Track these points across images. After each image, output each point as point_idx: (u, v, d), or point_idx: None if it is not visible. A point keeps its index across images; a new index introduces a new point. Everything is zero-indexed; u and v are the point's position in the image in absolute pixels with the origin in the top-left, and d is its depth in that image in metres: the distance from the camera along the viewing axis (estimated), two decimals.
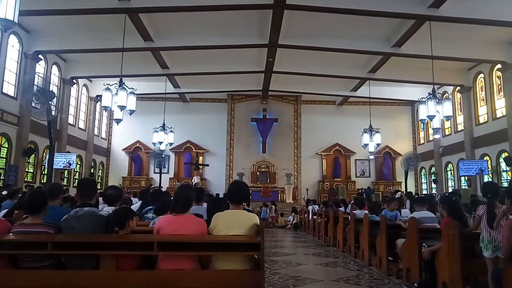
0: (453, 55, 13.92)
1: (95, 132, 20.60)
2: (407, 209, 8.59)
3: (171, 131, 17.53)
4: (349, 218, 8.53)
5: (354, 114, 21.41)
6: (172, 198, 3.91)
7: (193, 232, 3.16)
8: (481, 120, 16.46)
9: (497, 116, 15.30)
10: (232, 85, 19.27)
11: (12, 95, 13.73)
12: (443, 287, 4.42)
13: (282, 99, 22.27)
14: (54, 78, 16.24)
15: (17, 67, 13.97)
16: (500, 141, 14.76)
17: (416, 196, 12.77)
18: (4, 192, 8.60)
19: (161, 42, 13.76)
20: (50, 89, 8.82)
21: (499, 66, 14.83)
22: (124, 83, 10.97)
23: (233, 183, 3.67)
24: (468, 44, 13.59)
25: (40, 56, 14.57)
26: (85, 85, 19.58)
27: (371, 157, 20.28)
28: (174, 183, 20.64)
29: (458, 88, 17.86)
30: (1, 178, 13.23)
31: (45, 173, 14.66)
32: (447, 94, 18.67)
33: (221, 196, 11.33)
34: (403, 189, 16.88)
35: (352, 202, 11.06)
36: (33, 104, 8.56)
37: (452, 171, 18.77)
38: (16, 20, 5.73)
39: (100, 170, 21.62)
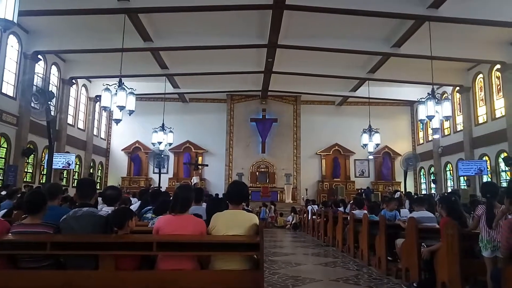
0: (452, 56, 13.94)
1: (95, 132, 20.60)
2: (406, 209, 8.60)
3: (171, 131, 17.54)
4: (348, 218, 8.53)
5: (353, 114, 21.43)
6: (171, 198, 3.91)
7: (192, 232, 3.16)
8: (480, 120, 16.48)
9: (496, 116, 15.32)
10: (232, 85, 19.28)
11: (11, 95, 13.71)
12: (442, 287, 4.42)
13: (281, 99, 22.28)
14: (54, 78, 16.23)
15: (17, 67, 13.96)
16: (499, 141, 14.77)
17: (415, 196, 12.78)
18: (3, 192, 8.59)
19: (160, 42, 13.75)
20: (50, 89, 8.79)
21: (498, 66, 14.85)
22: (123, 83, 10.97)
23: (232, 183, 3.67)
24: (467, 45, 13.60)
25: (39, 56, 14.57)
26: (84, 85, 19.57)
27: (371, 157, 20.30)
28: (173, 183, 20.64)
29: (457, 88, 17.89)
30: (0, 178, 13.21)
31: (44, 173, 14.63)
32: (446, 95, 18.69)
33: (220, 196, 11.32)
34: (402, 189, 16.88)
35: (351, 202, 11.06)
36: (32, 104, 8.54)
37: (451, 171, 18.79)
38: (15, 20, 5.73)
39: (99, 170, 21.62)
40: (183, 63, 16.27)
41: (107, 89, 11.03)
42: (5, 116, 13.26)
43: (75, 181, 18.24)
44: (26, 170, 14.75)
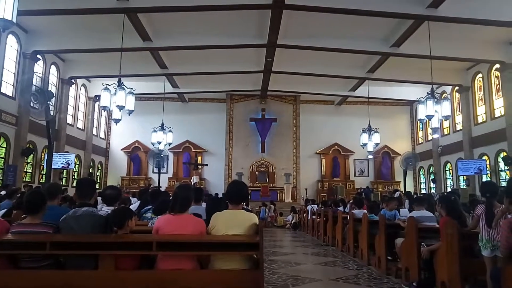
0: (452, 55, 13.95)
1: (94, 132, 20.58)
2: (405, 209, 8.60)
3: (170, 131, 17.53)
4: (348, 217, 8.53)
5: (353, 114, 21.43)
6: (171, 198, 3.91)
7: (192, 231, 3.16)
8: (480, 119, 16.49)
9: (496, 116, 15.33)
10: (231, 85, 19.28)
11: (11, 95, 13.70)
12: (442, 286, 4.42)
13: (281, 99, 22.28)
14: (53, 78, 16.22)
15: (16, 67, 13.94)
16: (498, 141, 14.78)
17: (415, 195, 12.78)
18: (3, 192, 8.57)
19: (159, 42, 13.74)
20: (49, 89, 8.80)
21: (497, 66, 14.86)
22: (122, 83, 10.96)
23: (232, 183, 3.67)
24: (466, 44, 13.61)
25: (38, 56, 14.55)
26: (83, 85, 19.56)
27: (370, 156, 20.31)
28: (173, 183, 20.63)
29: (457, 88, 17.90)
30: None
31: (44, 173, 14.63)
32: (445, 94, 18.70)
33: (220, 196, 11.32)
34: (402, 189, 16.89)
35: (351, 201, 11.06)
36: (31, 104, 8.53)
37: (450, 171, 18.81)
38: (14, 20, 5.72)
39: (99, 170, 21.61)
40: (182, 62, 16.26)
41: (106, 89, 11.02)
42: (4, 116, 13.25)
43: (75, 181, 18.22)
44: (25, 170, 14.74)
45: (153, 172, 20.87)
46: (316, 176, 22.21)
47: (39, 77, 8.91)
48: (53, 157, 12.60)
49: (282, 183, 20.83)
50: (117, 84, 10.85)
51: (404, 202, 10.35)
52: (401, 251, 5.70)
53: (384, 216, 6.90)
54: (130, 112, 11.45)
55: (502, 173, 15.08)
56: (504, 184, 14.00)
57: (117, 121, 11.87)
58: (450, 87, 18.51)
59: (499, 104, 15.19)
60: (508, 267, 3.50)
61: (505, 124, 14.17)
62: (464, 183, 16.93)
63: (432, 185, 20.08)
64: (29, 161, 14.99)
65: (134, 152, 21.92)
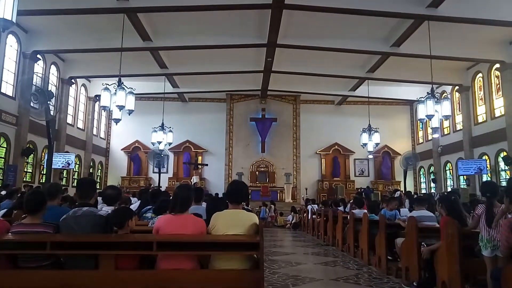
0: (452, 55, 13.94)
1: (94, 132, 20.58)
2: (406, 209, 8.61)
3: (170, 131, 17.52)
4: (348, 217, 8.53)
5: (353, 114, 21.42)
6: (171, 198, 3.91)
7: (192, 231, 3.16)
8: (480, 119, 16.49)
9: (496, 116, 15.33)
10: (231, 84, 19.27)
11: (11, 95, 13.70)
12: (442, 286, 4.42)
13: (281, 98, 22.28)
14: (53, 78, 16.22)
15: (16, 67, 13.94)
16: (498, 140, 14.78)
17: (415, 195, 12.79)
18: (3, 192, 8.57)
19: (159, 42, 13.74)
20: (49, 89, 8.81)
21: (497, 65, 14.85)
22: (122, 83, 10.95)
23: (232, 183, 3.66)
24: (466, 44, 13.60)
25: (38, 56, 14.54)
26: (83, 85, 19.56)
27: (370, 156, 20.30)
28: (173, 182, 20.63)
29: (457, 87, 17.89)
30: (0, 178, 13.23)
31: (44, 173, 14.63)
32: (445, 94, 18.69)
33: (220, 195, 11.33)
34: (402, 189, 16.89)
35: (351, 201, 11.06)
36: (31, 104, 8.55)
37: (451, 171, 18.80)
38: (14, 20, 5.72)
39: (99, 170, 21.61)
40: (182, 62, 16.25)
41: (106, 89, 11.02)
42: (4, 115, 13.25)
43: (75, 180, 18.23)
44: (25, 169, 14.74)
45: (153, 172, 20.87)
46: (316, 176, 22.21)
47: (39, 77, 8.92)
48: (53, 157, 12.59)
49: (282, 183, 20.83)
50: (117, 84, 10.85)
51: (404, 202, 10.36)
52: (401, 251, 5.70)
53: (385, 216, 6.91)
54: (130, 112, 11.45)
55: (502, 173, 15.08)
56: (504, 184, 14.01)
57: (117, 121, 11.87)
58: (450, 86, 18.51)
59: (499, 103, 15.19)
60: (508, 267, 3.50)
61: (505, 123, 14.16)
62: (464, 183, 16.93)
63: (432, 185, 20.08)
64: (29, 161, 15.00)
65: (134, 152, 21.93)
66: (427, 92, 11.54)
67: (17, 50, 13.95)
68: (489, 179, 14.71)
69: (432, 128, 14.03)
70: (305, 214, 14.99)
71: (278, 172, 21.43)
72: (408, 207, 9.15)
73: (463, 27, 12.08)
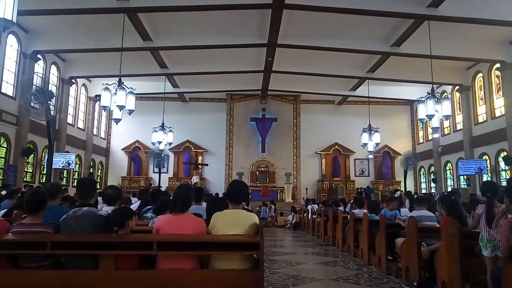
0: (452, 55, 13.94)
1: (94, 132, 20.59)
2: (406, 209, 8.60)
3: (170, 131, 17.52)
4: (348, 217, 8.53)
5: (353, 114, 21.42)
6: (171, 197, 3.91)
7: (192, 231, 3.16)
8: (480, 119, 16.48)
9: (496, 115, 15.32)
10: (231, 84, 19.27)
11: (11, 95, 13.71)
12: (442, 286, 4.42)
13: (281, 98, 22.28)
14: (53, 78, 16.22)
15: (16, 67, 13.95)
16: (499, 140, 14.77)
17: (416, 195, 12.78)
18: (3, 192, 8.58)
19: (160, 42, 13.74)
20: (49, 89, 8.80)
21: (498, 65, 14.85)
22: (123, 82, 10.96)
23: (232, 183, 3.67)
24: (467, 44, 13.59)
25: (38, 55, 14.55)
26: (84, 84, 19.57)
27: (370, 156, 20.30)
28: (173, 182, 20.64)
29: (457, 87, 17.89)
30: (0, 178, 13.21)
31: (44, 172, 14.63)
32: (446, 94, 18.69)
33: (220, 195, 11.33)
34: (403, 189, 16.89)
35: (351, 201, 11.06)
36: (32, 104, 8.55)
37: (451, 170, 18.80)
38: (14, 20, 5.72)
39: (99, 170, 21.62)
40: (182, 62, 16.25)
41: (106, 89, 11.02)
42: (4, 115, 13.26)
43: (75, 180, 18.24)
44: (26, 169, 14.74)
45: (154, 172, 20.87)
46: (316, 176, 22.21)
47: (40, 77, 8.92)
48: (54, 157, 12.58)
49: (282, 183, 20.83)
50: (117, 84, 10.85)
51: (404, 201, 10.36)
52: (401, 251, 5.70)
53: (385, 216, 6.91)
54: (131, 112, 11.45)
55: (503, 173, 15.07)
56: (504, 183, 14.00)
57: (117, 121, 11.87)
58: (451, 86, 18.50)
59: (499, 103, 15.18)
60: (508, 267, 3.49)
61: (505, 123, 14.15)
62: (465, 183, 16.92)
63: (433, 184, 20.08)
64: (29, 161, 15.00)
65: (135, 152, 21.93)
66: (428, 92, 11.54)
67: (17, 50, 13.95)
68: (489, 179, 14.71)
69: (432, 128, 14.03)
70: (305, 214, 14.99)
71: (278, 172, 21.44)
72: (408, 207, 9.15)
73: (463, 27, 12.08)
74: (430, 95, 11.36)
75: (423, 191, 21.03)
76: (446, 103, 11.87)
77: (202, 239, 3.16)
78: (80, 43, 13.95)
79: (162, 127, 16.78)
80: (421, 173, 22.00)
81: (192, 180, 19.18)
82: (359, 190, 19.81)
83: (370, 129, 17.19)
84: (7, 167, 13.41)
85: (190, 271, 3.03)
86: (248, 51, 14.82)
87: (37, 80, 8.56)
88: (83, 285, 2.92)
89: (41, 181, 15.23)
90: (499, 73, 14.91)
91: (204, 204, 5.32)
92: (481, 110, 16.47)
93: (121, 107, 10.89)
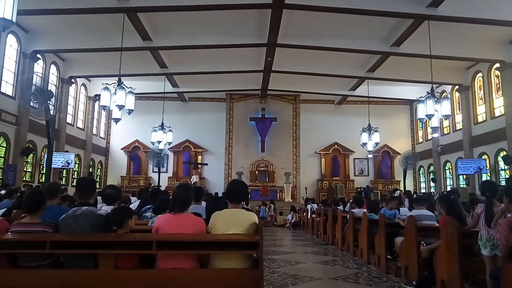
0: (452, 54, 13.94)
1: (94, 132, 20.58)
2: (405, 208, 8.61)
3: (170, 131, 17.52)
4: (348, 216, 8.54)
5: (352, 113, 21.43)
6: (170, 197, 3.91)
7: (192, 231, 3.16)
8: (480, 119, 16.49)
9: (496, 115, 15.32)
10: (231, 84, 19.27)
11: (11, 94, 13.70)
12: (441, 285, 4.43)
13: (280, 98, 22.28)
14: (53, 78, 16.22)
15: (16, 66, 13.93)
16: (498, 140, 14.78)
17: (415, 195, 12.79)
18: (3, 192, 8.58)
19: (159, 42, 13.73)
20: (49, 89, 8.81)
21: (497, 65, 14.85)
22: (122, 82, 10.95)
23: (232, 182, 3.67)
24: (466, 43, 13.60)
25: (38, 55, 14.54)
26: (83, 84, 19.56)
27: (370, 156, 20.31)
28: (172, 182, 20.64)
29: (457, 87, 17.89)
30: None
31: (44, 172, 14.64)
32: (445, 93, 18.69)
33: (220, 195, 11.33)
34: (402, 188, 16.90)
35: (350, 200, 11.07)
36: (31, 104, 8.54)
37: (450, 170, 18.81)
38: (14, 20, 5.72)
39: (99, 170, 21.61)
40: (182, 62, 16.24)
41: (106, 88, 11.01)
42: (4, 115, 13.25)
43: (75, 180, 18.23)
44: (25, 169, 14.74)
45: (153, 172, 20.86)
46: (316, 175, 22.21)
47: (39, 76, 8.93)
48: (53, 156, 12.61)
49: (282, 182, 20.85)
50: (117, 83, 10.84)
51: (404, 201, 10.37)
52: (400, 250, 5.71)
53: (384, 215, 6.92)
54: (130, 111, 11.45)
55: (502, 172, 15.08)
56: (503, 183, 14.02)
57: (117, 120, 11.87)
58: (450, 86, 18.51)
59: (499, 103, 15.19)
60: (507, 266, 3.50)
61: (505, 123, 14.16)
62: (464, 182, 16.93)
63: (432, 184, 20.08)
64: (29, 160, 15.00)
65: (134, 151, 21.92)
66: (427, 92, 11.54)
67: (17, 50, 13.94)
68: (488, 178, 14.71)
69: (431, 127, 14.05)
70: (304, 214, 14.99)
71: (277, 171, 21.45)
72: (408, 207, 9.16)
73: (463, 27, 12.08)
74: (429, 95, 11.36)
75: (423, 190, 21.03)
76: (445, 102, 11.88)
77: (201, 239, 3.16)
78: (80, 43, 13.94)
79: (162, 127, 16.78)
80: (421, 172, 22.01)
81: (191, 180, 19.17)
82: (359, 189, 19.81)
83: (369, 129, 17.20)
84: (6, 166, 13.41)
85: (189, 270, 3.03)
86: (247, 51, 14.82)
87: (36, 80, 8.57)
88: (82, 285, 2.92)
89: (41, 180, 15.22)
90: (499, 73, 14.91)
91: (203, 204, 5.32)
92: (481, 110, 16.47)
93: (120, 107, 10.88)
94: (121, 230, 3.18)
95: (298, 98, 22.32)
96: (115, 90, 10.83)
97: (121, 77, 11.07)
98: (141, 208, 5.44)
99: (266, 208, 16.78)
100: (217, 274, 3.04)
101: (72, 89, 18.09)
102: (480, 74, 16.45)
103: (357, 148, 20.13)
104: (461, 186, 16.91)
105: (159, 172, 17.33)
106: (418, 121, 17.13)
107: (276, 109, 22.14)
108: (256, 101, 22.21)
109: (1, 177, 13.19)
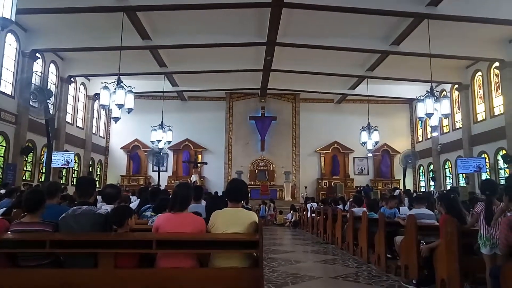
0: (451, 53, 13.94)
1: (93, 131, 20.56)
2: (405, 207, 8.62)
3: (170, 130, 17.50)
4: (348, 215, 8.54)
5: (352, 112, 21.44)
6: (170, 196, 3.91)
7: (191, 230, 3.16)
8: (479, 117, 16.49)
9: (495, 114, 15.33)
10: (231, 83, 19.26)
11: (10, 93, 13.68)
12: (441, 284, 4.43)
13: (280, 97, 22.29)
14: (52, 77, 16.20)
15: (15, 65, 13.92)
16: (497, 139, 14.79)
17: (415, 194, 12.80)
18: (2, 191, 8.57)
19: (159, 41, 13.71)
20: (48, 88, 8.79)
21: (497, 64, 14.85)
22: (122, 81, 10.94)
23: (231, 181, 3.67)
24: (466, 42, 13.60)
25: (37, 54, 14.51)
26: (83, 83, 19.54)
27: (370, 155, 20.32)
28: (172, 181, 20.64)
29: (456, 86, 17.89)
30: None
31: (43, 171, 14.63)
32: (445, 92, 18.70)
33: (220, 194, 11.33)
34: (402, 187, 16.91)
35: (350, 199, 11.07)
36: (30, 103, 8.53)
37: (450, 169, 18.82)
38: (13, 19, 5.70)
39: (99, 169, 21.60)
40: (181, 61, 16.23)
41: (105, 87, 10.99)
42: (3, 114, 13.24)
43: (74, 179, 18.23)
44: (25, 168, 14.73)
45: (153, 171, 20.84)
46: (315, 174, 22.22)
47: (38, 75, 8.91)
48: (53, 155, 12.59)
49: (281, 181, 20.86)
50: (116, 82, 10.83)
51: (403, 200, 10.37)
52: (400, 249, 5.71)
53: (384, 214, 6.92)
54: (130, 110, 11.44)
55: (502, 171, 15.09)
56: (503, 182, 14.02)
57: (116, 119, 11.86)
58: (450, 85, 18.51)
59: (498, 102, 15.19)
60: (507, 265, 3.50)
61: (504, 122, 14.17)
62: (464, 181, 16.94)
63: (432, 183, 20.10)
64: (28, 159, 14.99)
65: (134, 150, 21.92)
66: (427, 91, 11.54)
67: (16, 49, 13.92)
68: (488, 177, 14.72)
69: (431, 126, 14.03)
70: (304, 213, 15.00)
71: (277, 170, 21.46)
72: (408, 205, 9.16)
73: (462, 26, 12.07)
74: (429, 94, 11.36)
75: (422, 189, 21.06)
76: (445, 101, 11.87)
77: (201, 238, 3.16)
78: (79, 42, 13.93)
79: (161, 126, 16.76)
80: (420, 171, 22.03)
81: (191, 179, 19.16)
82: (358, 188, 19.80)
83: (369, 128, 17.20)
84: (6, 165, 13.40)
85: (189, 269, 3.03)
86: (247, 49, 14.81)
87: (36, 79, 8.55)
88: (82, 284, 2.92)
89: (40, 179, 15.22)
90: (498, 72, 14.91)
91: (203, 203, 5.33)
92: (480, 109, 16.48)
93: (120, 106, 10.87)
94: (121, 229, 3.18)
95: (297, 97, 22.32)
96: (115, 89, 10.82)
97: (121, 76, 11.06)
98: (141, 207, 5.44)
99: (266, 207, 16.79)
100: (217, 273, 3.04)
101: (71, 88, 18.08)
102: (479, 73, 16.45)
103: (357, 147, 20.14)
104: (461, 185, 16.91)
105: (158, 171, 17.33)
106: (418, 120, 17.18)
107: (275, 108, 22.14)
108: (255, 100, 22.21)
109: (0, 176, 13.18)
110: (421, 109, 11.69)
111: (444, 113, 11.83)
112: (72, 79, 17.66)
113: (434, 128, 14.23)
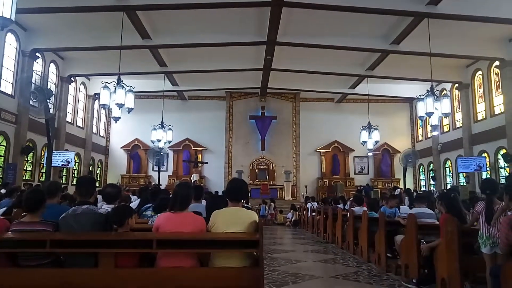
0: (451, 52, 13.94)
1: (94, 130, 20.57)
2: (405, 206, 8.61)
3: (170, 129, 17.51)
4: (348, 215, 8.54)
5: (352, 112, 21.44)
6: (170, 196, 3.91)
7: (192, 229, 3.16)
8: (479, 117, 16.49)
9: (495, 113, 15.33)
10: (231, 82, 19.26)
11: (10, 93, 13.69)
12: (441, 283, 4.43)
13: (280, 96, 22.28)
14: (52, 76, 16.20)
15: (15, 65, 13.92)
16: (498, 138, 14.78)
17: (415, 193, 12.80)
18: (3, 191, 8.58)
19: (159, 40, 13.71)
20: (48, 87, 8.79)
21: (497, 63, 14.85)
22: (122, 81, 10.94)
23: (232, 181, 3.66)
24: (466, 41, 13.59)
25: (37, 54, 14.51)
26: (83, 83, 19.54)
27: (370, 154, 20.32)
28: (173, 181, 20.64)
29: (456, 85, 17.88)
30: None
31: (44, 171, 14.64)
32: (445, 91, 18.69)
33: (220, 193, 11.33)
34: (402, 186, 16.91)
35: (350, 199, 11.07)
36: (31, 102, 8.53)
37: (450, 168, 18.81)
38: (13, 18, 5.71)
39: (99, 168, 21.61)
40: (181, 60, 16.23)
41: (106, 87, 10.99)
42: (4, 114, 13.24)
43: (75, 179, 18.23)
44: (25, 168, 14.74)
45: (153, 170, 20.85)
46: (316, 174, 22.22)
47: (38, 75, 8.89)
48: (53, 155, 12.60)
49: (282, 181, 20.87)
50: (116, 82, 10.84)
51: (404, 199, 10.37)
52: (401, 248, 5.71)
53: (384, 214, 6.91)
54: (130, 110, 11.44)
55: (502, 170, 15.09)
56: (503, 181, 14.02)
57: (116, 119, 11.86)
58: (450, 84, 18.50)
59: (498, 101, 15.18)
60: (507, 264, 3.50)
61: (504, 121, 14.16)
62: (464, 180, 16.94)
63: (432, 182, 20.10)
64: (29, 159, 14.99)
65: (134, 150, 21.92)
66: (427, 90, 11.54)
67: (16, 48, 13.92)
68: (488, 176, 14.72)
69: (431, 125, 14.03)
70: (304, 212, 15.01)
71: (277, 170, 21.46)
72: (408, 205, 9.16)
73: (462, 25, 12.06)
74: (429, 93, 11.36)
75: (423, 188, 21.05)
76: (445, 100, 11.88)
77: (201, 237, 3.16)
78: (79, 41, 13.93)
79: (162, 125, 16.77)
80: (421, 170, 22.03)
81: (191, 178, 19.17)
82: (359, 187, 19.81)
83: (369, 127, 17.20)
84: (6, 165, 13.40)
85: (189, 269, 3.03)
86: (247, 49, 14.80)
87: (36, 79, 8.54)
88: (82, 283, 2.92)
89: (41, 179, 15.22)
90: (498, 71, 14.90)
91: (203, 202, 5.33)
92: (480, 108, 16.47)
93: (120, 105, 10.87)
94: (121, 229, 3.18)
95: (298, 96, 22.32)
96: (115, 88, 10.82)
97: (121, 76, 11.06)
98: (141, 206, 5.45)
99: (266, 207, 16.79)
100: (217, 272, 3.04)
101: (71, 87, 18.08)
102: (479, 72, 16.44)
103: (357, 146, 20.15)
104: (461, 184, 16.91)
105: (159, 171, 17.33)
106: (418, 119, 17.18)
107: (276, 107, 22.14)
108: (256, 100, 22.21)
109: (1, 176, 13.19)
110: (421, 108, 11.69)
111: (444, 112, 11.83)
112: (72, 78, 17.67)
113: (434, 127, 14.21)
